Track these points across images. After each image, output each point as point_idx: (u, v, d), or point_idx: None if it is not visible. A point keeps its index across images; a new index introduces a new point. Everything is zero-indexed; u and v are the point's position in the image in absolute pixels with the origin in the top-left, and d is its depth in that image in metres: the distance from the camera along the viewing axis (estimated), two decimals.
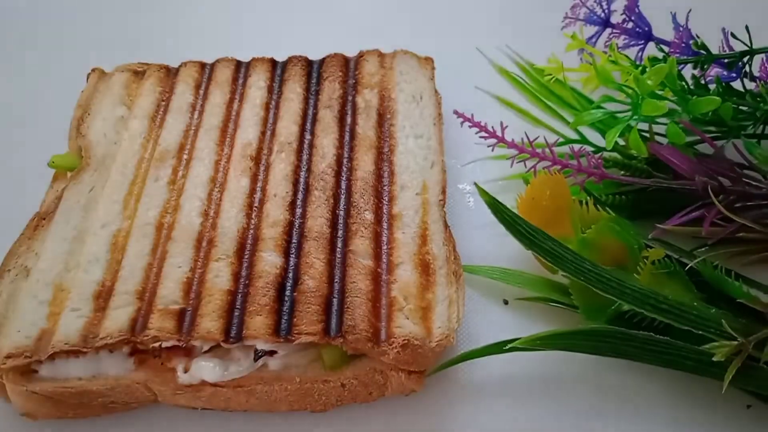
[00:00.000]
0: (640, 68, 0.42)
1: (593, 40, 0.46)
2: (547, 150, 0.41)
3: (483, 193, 0.37)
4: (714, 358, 0.35)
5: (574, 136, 0.47)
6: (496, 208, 0.37)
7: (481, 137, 0.42)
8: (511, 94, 0.51)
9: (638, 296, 0.36)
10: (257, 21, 0.57)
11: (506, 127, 0.42)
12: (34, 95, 0.54)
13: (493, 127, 0.42)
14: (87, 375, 0.37)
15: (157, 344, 0.36)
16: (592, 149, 0.45)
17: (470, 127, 0.42)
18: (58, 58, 0.57)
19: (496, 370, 0.39)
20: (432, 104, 0.47)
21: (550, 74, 0.46)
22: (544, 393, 0.38)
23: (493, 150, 0.43)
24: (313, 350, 0.37)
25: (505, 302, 0.42)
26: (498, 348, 0.37)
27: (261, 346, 0.36)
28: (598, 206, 0.40)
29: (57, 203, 0.43)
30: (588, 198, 0.41)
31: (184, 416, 0.38)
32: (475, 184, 0.38)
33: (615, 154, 0.43)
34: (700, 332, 0.36)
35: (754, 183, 0.41)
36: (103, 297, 0.38)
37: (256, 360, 0.36)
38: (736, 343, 0.35)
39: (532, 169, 0.41)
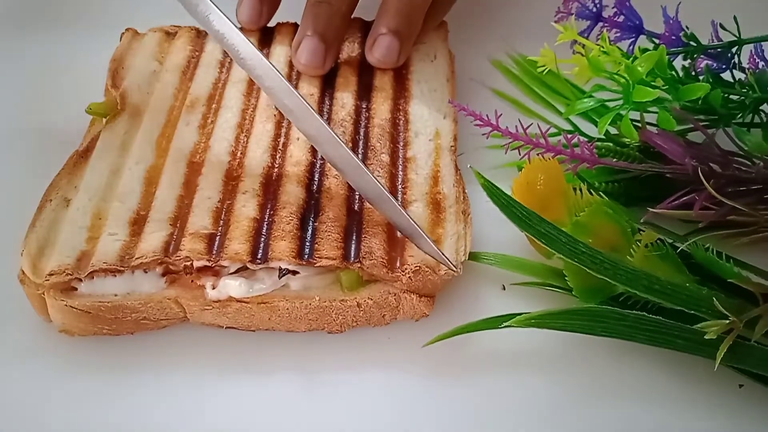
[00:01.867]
0: (632, 58, 0.44)
1: (585, 34, 0.48)
2: (540, 138, 0.43)
3: (478, 175, 0.39)
4: (705, 337, 0.36)
5: (567, 126, 0.49)
6: (492, 190, 0.39)
7: (476, 125, 0.44)
8: (506, 85, 0.53)
9: (631, 277, 0.38)
10: None
11: (500, 115, 0.44)
12: (73, 51, 0.58)
13: (487, 115, 0.44)
14: (122, 292, 0.40)
15: (188, 263, 0.40)
16: (585, 139, 0.47)
17: (465, 115, 0.45)
18: (93, 18, 0.61)
19: (490, 347, 0.41)
20: (445, 63, 0.51)
21: (543, 66, 0.47)
22: (537, 371, 0.40)
23: (487, 138, 0.44)
24: (331, 274, 0.41)
25: (503, 287, 0.43)
26: (494, 323, 0.39)
27: (284, 266, 0.39)
28: (591, 191, 0.42)
29: (94, 144, 0.47)
30: (582, 184, 0.42)
31: (210, 336, 0.42)
32: (470, 167, 0.40)
33: (608, 144, 0.46)
34: (692, 312, 0.37)
35: (744, 168, 0.42)
36: (138, 223, 0.42)
37: (280, 277, 0.40)
38: (727, 321, 0.36)
39: (526, 157, 0.43)
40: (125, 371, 0.41)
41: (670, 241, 0.41)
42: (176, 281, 0.41)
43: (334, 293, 0.40)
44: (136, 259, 0.40)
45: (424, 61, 0.51)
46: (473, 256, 0.43)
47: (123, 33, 0.55)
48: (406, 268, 0.40)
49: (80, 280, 0.40)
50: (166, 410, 0.39)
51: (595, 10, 0.48)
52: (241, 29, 0.44)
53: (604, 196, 0.42)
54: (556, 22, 0.48)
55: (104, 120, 0.49)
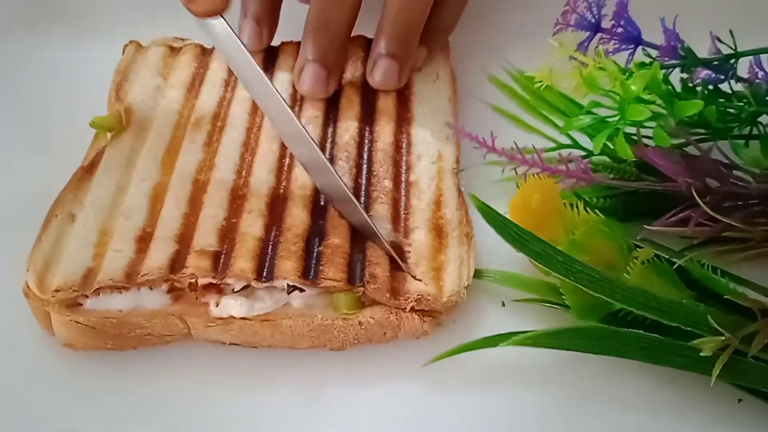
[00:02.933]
0: (627, 74, 0.46)
1: (584, 44, 0.49)
2: (536, 156, 0.44)
3: (474, 198, 0.41)
4: (701, 354, 0.38)
5: (565, 141, 0.50)
6: (487, 212, 0.40)
7: (474, 147, 0.46)
8: (504, 101, 0.55)
9: (627, 295, 0.39)
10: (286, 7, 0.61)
11: (496, 137, 0.45)
12: (75, 63, 0.59)
13: (484, 138, 0.45)
14: (127, 308, 0.42)
15: (193, 281, 0.41)
16: (583, 153, 0.49)
17: (462, 137, 0.46)
18: (95, 29, 0.62)
19: (490, 362, 0.42)
20: (448, 83, 0.53)
21: (541, 81, 0.48)
22: (536, 386, 0.42)
23: (484, 157, 0.46)
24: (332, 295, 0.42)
25: (503, 304, 0.45)
26: (493, 342, 0.40)
27: (291, 283, 0.41)
28: (587, 209, 0.43)
29: (99, 159, 0.48)
30: (578, 201, 0.44)
31: (213, 352, 0.43)
32: (463, 190, 0.42)
33: (604, 158, 0.47)
34: (689, 329, 0.39)
35: (740, 183, 0.44)
36: (144, 240, 0.43)
37: (289, 293, 0.41)
38: (723, 338, 0.38)
39: (523, 176, 0.44)
40: (128, 386, 0.42)
41: (667, 257, 0.42)
42: (181, 298, 0.42)
43: (336, 310, 0.42)
44: (142, 276, 0.41)
45: (426, 82, 0.53)
46: (477, 275, 0.44)
47: (126, 45, 0.56)
48: (408, 297, 0.41)
49: (86, 296, 0.41)
50: (168, 426, 0.41)
51: (594, 21, 0.49)
52: None
53: (600, 213, 0.44)
54: (554, 34, 0.49)
55: (108, 134, 0.50)
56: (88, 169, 0.48)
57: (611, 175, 0.46)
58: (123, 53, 0.56)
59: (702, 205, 0.42)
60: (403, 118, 0.51)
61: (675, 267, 0.41)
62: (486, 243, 0.45)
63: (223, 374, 0.42)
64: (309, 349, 0.43)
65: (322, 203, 0.45)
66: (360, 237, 0.44)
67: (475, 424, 0.41)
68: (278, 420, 0.41)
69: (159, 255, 0.42)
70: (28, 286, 0.42)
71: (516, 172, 0.45)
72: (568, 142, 0.50)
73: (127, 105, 0.51)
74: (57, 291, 0.41)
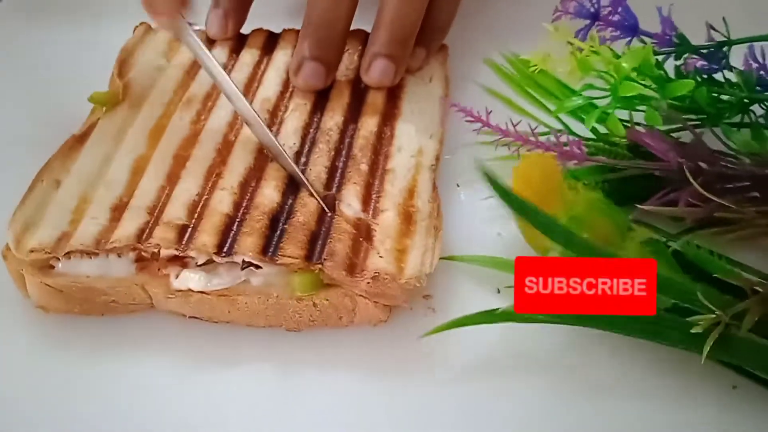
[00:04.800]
0: (620, 57, 0.46)
1: (583, 32, 0.50)
2: (530, 135, 0.45)
3: (480, 166, 0.39)
4: (693, 330, 0.38)
5: (558, 126, 0.50)
6: (491, 180, 0.39)
7: (466, 121, 0.46)
8: (498, 84, 0.55)
9: None
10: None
11: (491, 112, 0.46)
12: (86, 40, 0.63)
13: (478, 111, 0.46)
14: (95, 274, 0.44)
15: (156, 250, 0.43)
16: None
17: (456, 111, 0.47)
18: (106, 9, 0.66)
19: (481, 345, 0.43)
20: (440, 86, 0.54)
21: (535, 65, 0.49)
22: (526, 372, 0.42)
23: (478, 134, 0.46)
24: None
25: (498, 291, 0.45)
26: (489, 318, 0.40)
27: (247, 259, 0.42)
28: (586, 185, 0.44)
29: (91, 130, 0.51)
30: (577, 182, 0.44)
31: (181, 325, 0.45)
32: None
33: (598, 143, 0.48)
34: (686, 305, 0.39)
35: (731, 165, 0.44)
36: (119, 210, 0.45)
37: (242, 269, 0.43)
38: (714, 315, 0.38)
39: (516, 153, 0.45)
40: (91, 351, 0.44)
41: (663, 240, 0.43)
42: (145, 268, 0.44)
43: (291, 291, 0.43)
44: (110, 243, 0.43)
45: (419, 84, 0.54)
46: (466, 259, 0.45)
47: (137, 26, 0.59)
48: (365, 274, 0.42)
49: (58, 259, 0.44)
50: (129, 394, 0.42)
51: (593, 9, 0.50)
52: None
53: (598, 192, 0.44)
54: (553, 21, 0.50)
55: (104, 108, 0.52)
56: (80, 139, 0.50)
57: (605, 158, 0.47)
58: (133, 33, 0.58)
59: (693, 183, 0.42)
60: (389, 114, 0.52)
61: (670, 249, 0.42)
62: (476, 230, 0.46)
63: (192, 348, 0.43)
64: (275, 328, 0.44)
65: (296, 185, 0.47)
66: (328, 217, 0.45)
67: (461, 407, 0.41)
68: (249, 394, 0.42)
69: (129, 224, 0.44)
70: (7, 248, 0.45)
71: (509, 149, 0.45)
72: (560, 127, 0.50)
73: (127, 81, 0.53)
74: (31, 252, 0.43)
